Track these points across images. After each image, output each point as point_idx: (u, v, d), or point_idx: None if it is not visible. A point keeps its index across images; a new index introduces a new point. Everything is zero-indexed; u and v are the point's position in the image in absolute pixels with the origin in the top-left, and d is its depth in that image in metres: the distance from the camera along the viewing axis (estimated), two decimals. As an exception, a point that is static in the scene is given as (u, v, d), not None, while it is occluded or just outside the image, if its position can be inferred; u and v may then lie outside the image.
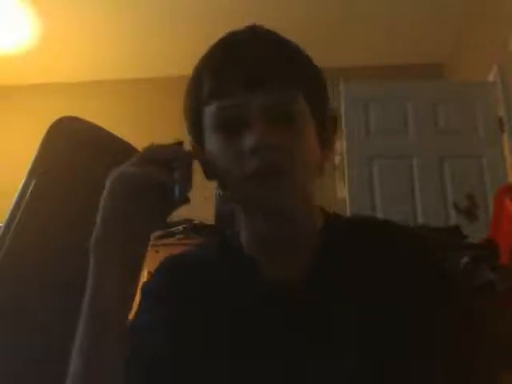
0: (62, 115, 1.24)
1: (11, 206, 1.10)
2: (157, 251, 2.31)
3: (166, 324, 0.75)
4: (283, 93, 0.71)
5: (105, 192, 0.68)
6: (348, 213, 2.74)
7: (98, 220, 0.68)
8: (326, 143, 0.79)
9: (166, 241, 2.86)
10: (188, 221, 3.06)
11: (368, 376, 0.69)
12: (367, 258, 0.76)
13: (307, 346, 0.72)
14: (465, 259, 1.35)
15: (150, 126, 3.74)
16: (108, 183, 0.68)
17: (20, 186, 1.14)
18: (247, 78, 0.70)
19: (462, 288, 1.22)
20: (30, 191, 1.09)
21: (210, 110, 0.73)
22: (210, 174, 0.76)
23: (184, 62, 4.30)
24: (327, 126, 0.79)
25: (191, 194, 0.71)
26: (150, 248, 0.81)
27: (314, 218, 0.80)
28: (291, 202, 0.72)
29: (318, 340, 0.72)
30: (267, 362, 0.72)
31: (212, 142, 0.73)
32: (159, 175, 0.68)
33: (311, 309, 0.74)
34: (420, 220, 2.68)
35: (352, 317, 0.72)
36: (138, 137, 1.69)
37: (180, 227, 3.01)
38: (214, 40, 0.77)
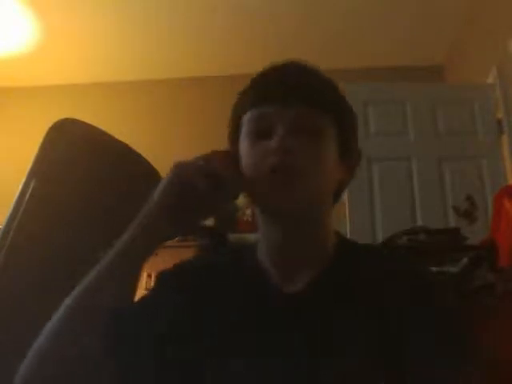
0: (61, 117, 1.25)
1: (11, 206, 1.10)
2: (156, 253, 2.31)
3: (172, 313, 0.81)
4: (311, 111, 0.81)
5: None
6: (347, 215, 2.74)
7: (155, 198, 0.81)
8: (347, 170, 0.87)
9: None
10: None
11: (367, 377, 0.71)
12: (370, 279, 0.81)
13: (307, 346, 0.74)
14: (464, 261, 1.35)
15: (151, 128, 3.75)
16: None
17: (20, 187, 1.14)
18: (284, 94, 0.81)
19: (460, 291, 1.23)
20: (29, 192, 1.10)
21: (247, 117, 0.84)
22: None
23: (185, 65, 4.30)
24: (352, 156, 0.88)
25: None
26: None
27: (327, 236, 0.86)
28: (301, 205, 0.79)
29: (319, 341, 0.74)
30: (268, 362, 0.73)
31: (243, 146, 0.83)
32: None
33: (313, 311, 0.77)
34: (419, 222, 2.68)
35: (352, 319, 0.76)
36: (138, 139, 1.70)
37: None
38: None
